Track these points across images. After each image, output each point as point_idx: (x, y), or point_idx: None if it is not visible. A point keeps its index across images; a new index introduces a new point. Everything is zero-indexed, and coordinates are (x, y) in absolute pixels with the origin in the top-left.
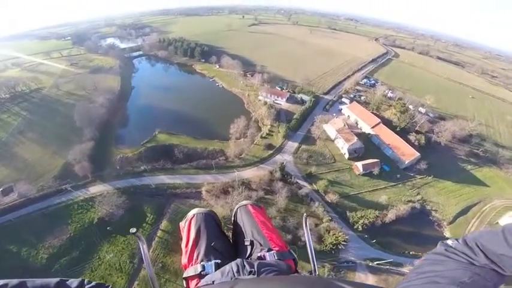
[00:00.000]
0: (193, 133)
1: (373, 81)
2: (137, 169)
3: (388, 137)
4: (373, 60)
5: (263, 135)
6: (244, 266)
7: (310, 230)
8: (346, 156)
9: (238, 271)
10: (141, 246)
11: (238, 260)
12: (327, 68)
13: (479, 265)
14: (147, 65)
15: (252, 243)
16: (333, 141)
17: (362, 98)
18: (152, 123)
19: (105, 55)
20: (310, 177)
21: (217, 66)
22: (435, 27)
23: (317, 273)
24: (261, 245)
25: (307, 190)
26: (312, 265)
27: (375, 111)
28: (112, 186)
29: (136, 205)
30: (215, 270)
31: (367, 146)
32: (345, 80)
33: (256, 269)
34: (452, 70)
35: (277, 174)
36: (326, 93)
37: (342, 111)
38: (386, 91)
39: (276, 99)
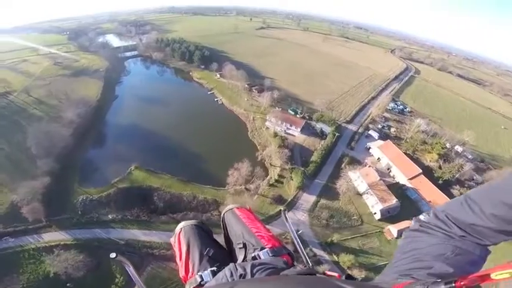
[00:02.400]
0: (179, 172)
1: (401, 107)
2: (104, 217)
3: (429, 192)
4: (395, 78)
5: (271, 182)
6: (237, 269)
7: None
8: (377, 216)
9: (232, 275)
10: (128, 269)
11: (231, 265)
12: (347, 86)
13: (458, 237)
14: (140, 68)
15: (244, 245)
16: (360, 195)
17: (392, 130)
18: (129, 153)
19: (96, 54)
20: (331, 246)
21: (218, 76)
22: (436, 37)
23: (310, 264)
24: (253, 245)
25: (326, 262)
26: (303, 257)
27: (409, 152)
28: (71, 236)
29: (101, 262)
30: (213, 278)
31: (402, 201)
32: (369, 102)
33: (249, 271)
34: (475, 90)
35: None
36: (349, 122)
37: (371, 150)
38: (421, 122)
39: (288, 128)
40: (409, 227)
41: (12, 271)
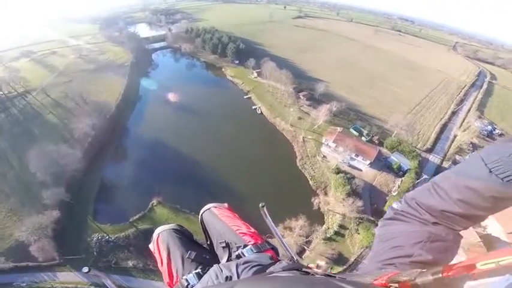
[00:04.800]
0: None
1: (489, 127)
2: (123, 262)
3: None
4: (472, 85)
5: (328, 235)
6: (222, 270)
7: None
8: None
9: (217, 277)
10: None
11: (215, 266)
12: (419, 95)
13: (431, 224)
14: (169, 61)
15: (227, 245)
16: None
17: None
18: (150, 180)
19: (123, 46)
20: None
21: (256, 74)
22: (484, 30)
23: (295, 258)
24: (236, 243)
25: None
26: (287, 251)
27: None
28: (88, 280)
29: None
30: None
31: None
32: (450, 120)
33: (234, 271)
34: None
35: None
36: (430, 150)
37: None
38: None
39: (352, 159)
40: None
41: None
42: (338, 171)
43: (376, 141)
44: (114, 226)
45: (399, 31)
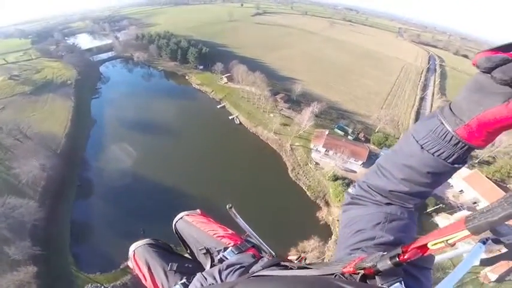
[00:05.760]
0: None
1: None
2: None
3: None
4: (428, 69)
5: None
6: (206, 278)
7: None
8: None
9: (202, 286)
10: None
11: (198, 275)
12: (387, 84)
13: (384, 204)
14: (121, 72)
15: (208, 251)
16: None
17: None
18: (128, 215)
19: (62, 61)
20: None
21: (225, 80)
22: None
23: (273, 254)
24: (215, 248)
25: None
26: (264, 248)
27: (496, 179)
28: None
29: None
30: None
31: None
32: (421, 106)
33: (218, 277)
34: None
35: None
36: None
37: (451, 180)
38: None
39: (345, 161)
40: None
41: None
42: (335, 177)
43: (362, 139)
44: (106, 275)
45: (350, 21)
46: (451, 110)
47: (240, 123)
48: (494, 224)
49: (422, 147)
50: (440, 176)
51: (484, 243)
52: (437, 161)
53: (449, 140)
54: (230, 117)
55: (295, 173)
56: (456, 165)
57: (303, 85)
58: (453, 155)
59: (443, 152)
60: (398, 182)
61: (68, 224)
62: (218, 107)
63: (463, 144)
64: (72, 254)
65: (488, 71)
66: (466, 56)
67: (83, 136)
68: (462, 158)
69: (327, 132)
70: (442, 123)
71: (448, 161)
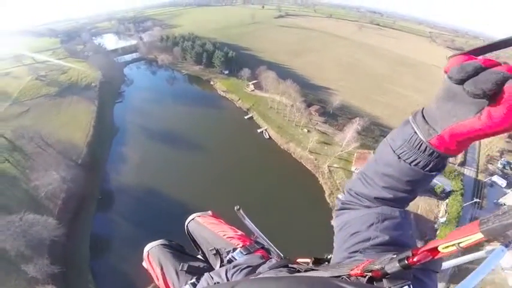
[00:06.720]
0: None
1: None
2: None
3: None
4: None
5: None
6: (212, 278)
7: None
8: None
9: (208, 285)
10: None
11: (206, 275)
12: (431, 97)
13: (374, 207)
14: (145, 75)
15: (217, 251)
16: None
17: None
18: (153, 232)
19: (88, 61)
20: None
21: (252, 87)
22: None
23: (282, 255)
24: (225, 248)
25: None
26: (273, 250)
27: None
28: None
29: None
30: None
31: None
32: None
33: (224, 277)
34: None
35: None
36: (463, 163)
37: (506, 207)
38: None
39: None
40: None
41: None
42: None
43: None
44: None
45: (378, 25)
46: (424, 117)
47: (270, 137)
48: (509, 227)
49: (399, 157)
50: (420, 183)
51: (506, 246)
52: (414, 170)
53: (424, 150)
54: (259, 131)
55: (333, 198)
56: (434, 173)
57: (337, 95)
58: (429, 164)
59: (420, 162)
60: (382, 190)
61: (87, 239)
62: (245, 117)
63: (438, 154)
64: (91, 272)
65: (460, 82)
66: (506, 64)
67: (105, 145)
68: (438, 165)
69: (370, 153)
70: (415, 132)
71: (425, 170)
